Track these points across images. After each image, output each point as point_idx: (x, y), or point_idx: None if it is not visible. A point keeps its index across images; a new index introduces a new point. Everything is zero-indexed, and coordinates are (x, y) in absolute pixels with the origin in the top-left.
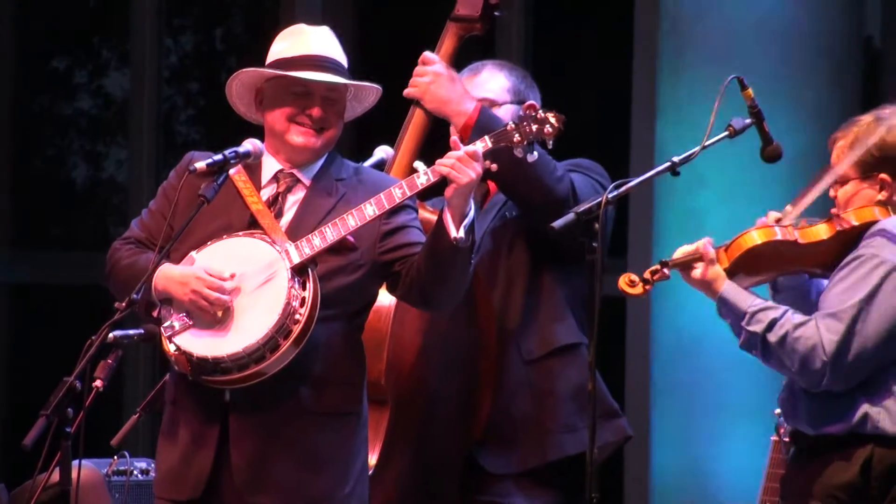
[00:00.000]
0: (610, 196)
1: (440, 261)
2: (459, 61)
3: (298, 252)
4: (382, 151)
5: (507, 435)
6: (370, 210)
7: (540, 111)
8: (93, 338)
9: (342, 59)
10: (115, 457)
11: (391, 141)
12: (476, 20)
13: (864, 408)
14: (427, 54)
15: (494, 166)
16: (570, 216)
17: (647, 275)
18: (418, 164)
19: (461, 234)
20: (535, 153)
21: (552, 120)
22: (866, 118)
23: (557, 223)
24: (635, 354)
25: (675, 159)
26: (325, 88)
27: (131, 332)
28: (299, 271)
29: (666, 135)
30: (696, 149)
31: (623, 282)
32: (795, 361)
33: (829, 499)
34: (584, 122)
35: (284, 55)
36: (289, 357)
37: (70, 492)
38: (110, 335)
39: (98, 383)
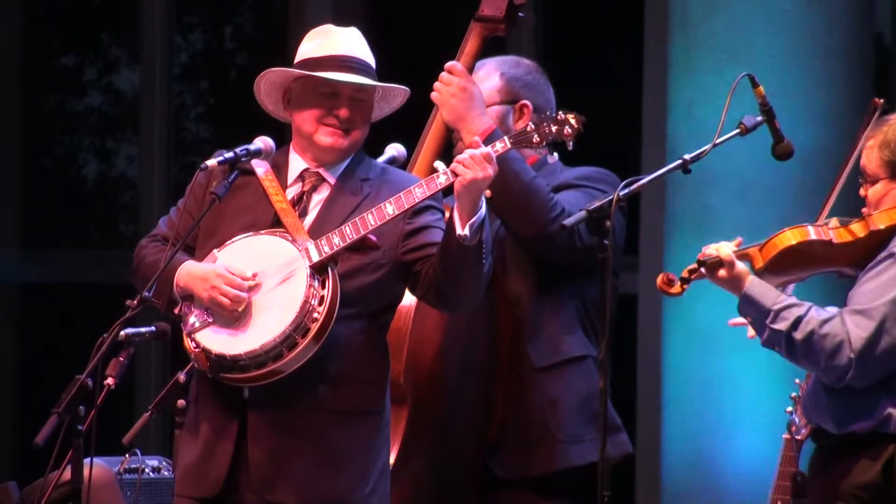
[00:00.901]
0: (621, 193)
1: (450, 259)
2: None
3: (318, 250)
4: (394, 149)
5: (515, 440)
6: (389, 209)
7: (560, 113)
8: (104, 336)
9: (370, 59)
10: (127, 455)
11: (402, 139)
12: (500, 21)
13: (889, 408)
14: (455, 65)
15: (489, 192)
16: (581, 214)
17: (684, 273)
18: (438, 164)
19: (466, 231)
20: (556, 154)
21: (572, 121)
22: (891, 120)
23: (568, 221)
24: (646, 354)
25: (687, 157)
26: (352, 89)
27: (143, 329)
28: (319, 270)
29: (677, 133)
30: (708, 146)
31: (661, 281)
32: (822, 358)
33: (852, 498)
34: (595, 121)
35: (312, 55)
36: (307, 355)
37: (82, 489)
38: (122, 333)
39: (110, 381)
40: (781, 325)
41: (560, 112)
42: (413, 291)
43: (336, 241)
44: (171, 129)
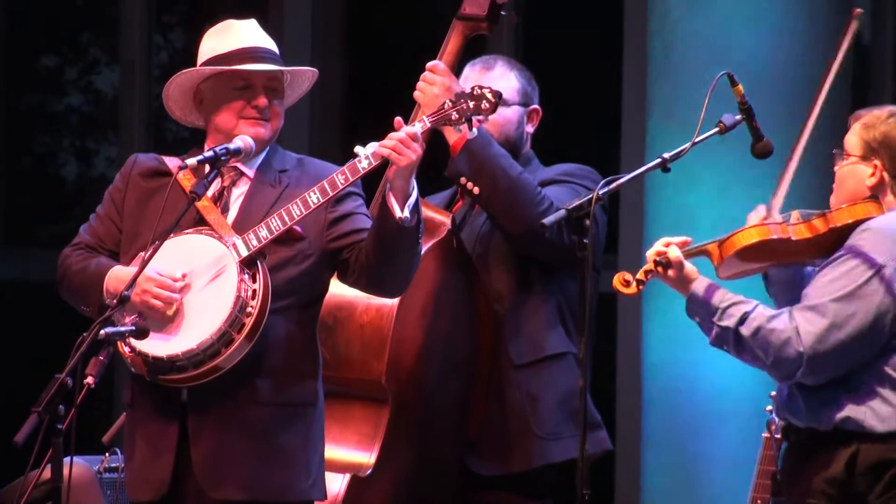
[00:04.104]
0: (600, 192)
1: (387, 243)
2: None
3: (246, 245)
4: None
5: (495, 438)
6: (314, 198)
7: (476, 87)
8: (84, 335)
9: (274, 47)
10: (107, 453)
11: (382, 138)
12: (482, 19)
13: (849, 407)
14: (437, 64)
15: (476, 189)
16: (561, 213)
17: (640, 275)
18: (359, 149)
19: (406, 213)
20: (476, 131)
21: (488, 95)
22: (888, 108)
23: (548, 219)
24: (626, 352)
25: (666, 156)
26: (266, 78)
27: (123, 328)
28: (248, 264)
29: (657, 132)
30: (687, 145)
31: (617, 281)
32: (769, 354)
33: (819, 494)
34: (574, 119)
35: (218, 52)
36: (244, 350)
37: (62, 488)
38: (101, 332)
39: (89, 380)
40: (729, 322)
41: (476, 87)
42: (343, 279)
43: (263, 233)
44: (150, 129)
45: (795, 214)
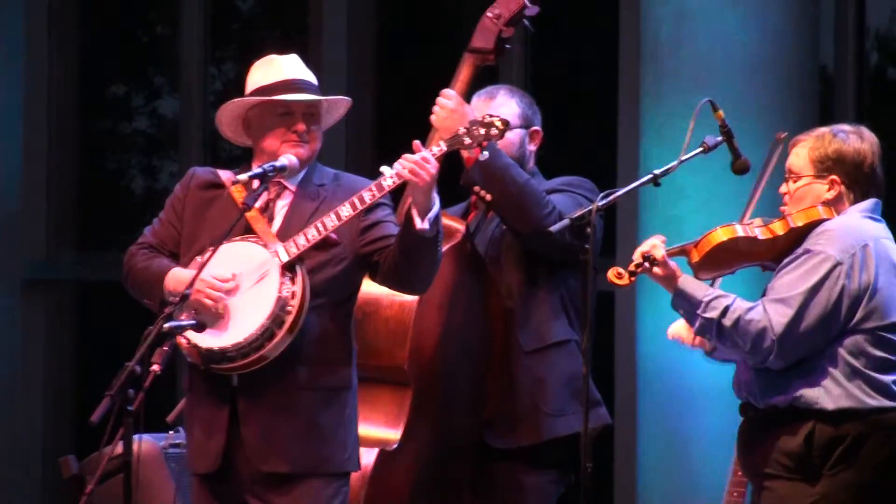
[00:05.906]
0: (600, 204)
1: (409, 250)
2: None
3: (287, 252)
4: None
5: (508, 415)
6: (345, 211)
7: (486, 116)
8: (150, 328)
9: (313, 78)
10: (171, 431)
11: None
12: (490, 52)
13: (805, 387)
14: (448, 92)
15: (489, 196)
16: (566, 222)
17: (631, 268)
18: (385, 169)
19: (426, 225)
20: (486, 153)
21: (497, 123)
22: (825, 130)
23: (554, 228)
24: (623, 343)
25: (657, 172)
26: (304, 106)
27: (184, 322)
28: (289, 268)
29: (649, 152)
30: (675, 163)
31: (612, 274)
32: (748, 342)
33: (776, 464)
34: (576, 142)
35: (263, 83)
36: (285, 343)
37: (132, 462)
38: (165, 325)
39: (155, 367)
40: (712, 314)
41: (487, 115)
42: (373, 278)
43: (301, 241)
44: (207, 148)
45: (758, 220)
